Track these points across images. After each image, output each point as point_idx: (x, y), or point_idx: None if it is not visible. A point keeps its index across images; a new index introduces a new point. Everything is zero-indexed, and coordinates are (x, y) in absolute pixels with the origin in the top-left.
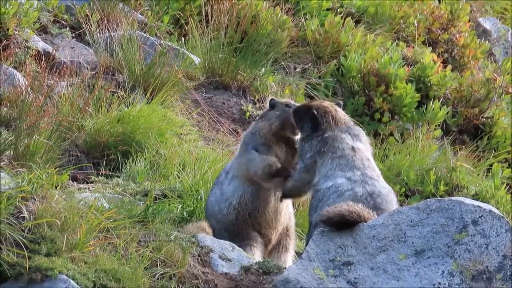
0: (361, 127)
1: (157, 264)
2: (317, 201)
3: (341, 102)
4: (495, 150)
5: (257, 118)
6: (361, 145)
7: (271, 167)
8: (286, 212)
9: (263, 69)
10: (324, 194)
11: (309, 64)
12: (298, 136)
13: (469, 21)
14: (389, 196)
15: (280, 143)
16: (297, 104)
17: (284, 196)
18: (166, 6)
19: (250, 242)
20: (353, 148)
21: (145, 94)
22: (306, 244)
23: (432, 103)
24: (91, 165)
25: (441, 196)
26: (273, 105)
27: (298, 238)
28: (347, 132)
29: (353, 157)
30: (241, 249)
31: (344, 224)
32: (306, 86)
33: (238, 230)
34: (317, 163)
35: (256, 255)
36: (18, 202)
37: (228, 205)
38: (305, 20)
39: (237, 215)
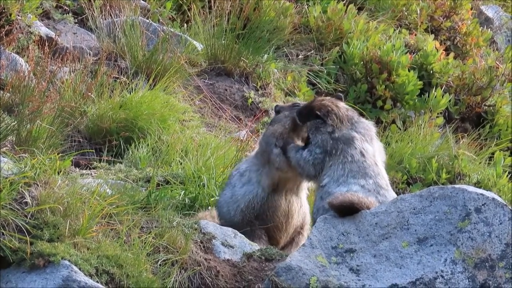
0: (363, 114)
1: (160, 250)
2: None
3: (341, 94)
4: (497, 138)
5: (267, 125)
6: (368, 146)
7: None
8: (300, 214)
9: (266, 55)
10: None
11: (312, 51)
12: None
13: (471, 8)
14: None
15: (295, 136)
16: (302, 103)
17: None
18: None
19: (255, 241)
20: (362, 153)
21: (148, 80)
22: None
23: (435, 91)
24: (94, 151)
25: (443, 184)
26: (278, 111)
27: None
28: (354, 131)
29: (364, 163)
30: (243, 236)
31: (350, 212)
32: (308, 73)
33: (245, 231)
34: (326, 162)
35: None
36: (21, 187)
37: (236, 207)
38: (307, 7)
39: (243, 217)
